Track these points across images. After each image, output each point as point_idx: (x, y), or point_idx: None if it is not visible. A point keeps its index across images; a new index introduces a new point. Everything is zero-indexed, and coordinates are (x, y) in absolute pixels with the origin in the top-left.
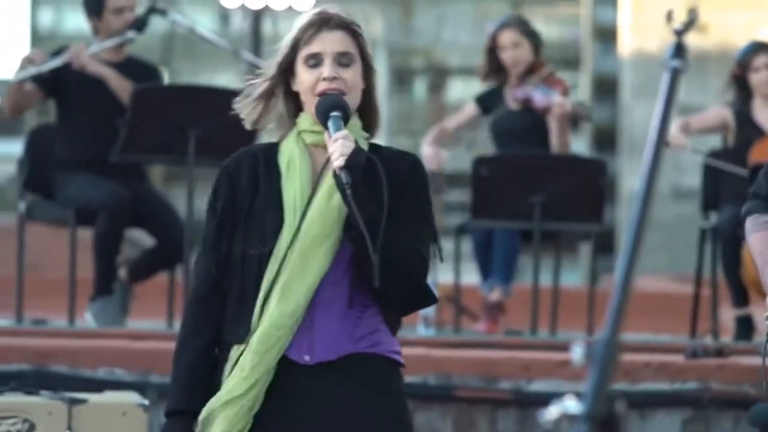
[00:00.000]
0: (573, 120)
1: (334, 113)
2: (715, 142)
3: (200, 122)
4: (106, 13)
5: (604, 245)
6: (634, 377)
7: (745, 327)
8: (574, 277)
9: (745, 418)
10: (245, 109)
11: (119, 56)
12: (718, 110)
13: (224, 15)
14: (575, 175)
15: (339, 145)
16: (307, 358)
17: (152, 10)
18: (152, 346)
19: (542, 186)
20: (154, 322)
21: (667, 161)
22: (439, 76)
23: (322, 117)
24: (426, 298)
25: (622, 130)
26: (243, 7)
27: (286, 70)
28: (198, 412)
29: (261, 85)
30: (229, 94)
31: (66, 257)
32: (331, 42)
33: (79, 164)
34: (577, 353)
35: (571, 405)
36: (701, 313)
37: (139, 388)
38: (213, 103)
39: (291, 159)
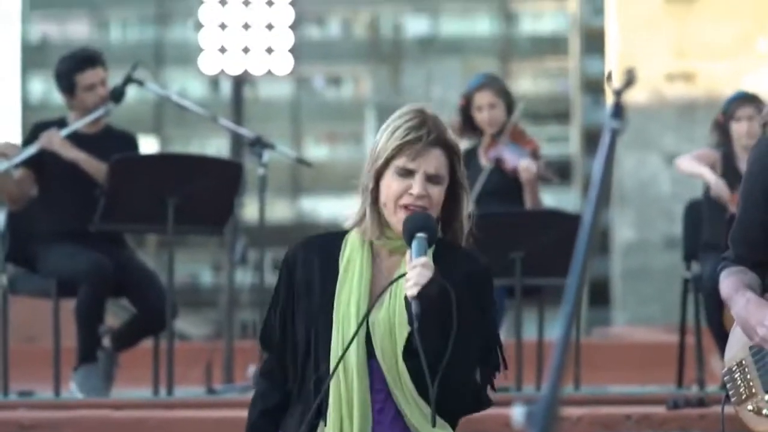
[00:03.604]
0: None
1: (420, 234)
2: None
3: (178, 190)
4: (78, 90)
5: (599, 297)
6: (616, 430)
7: None
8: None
9: None
10: (357, 223)
11: (97, 127)
12: (709, 151)
13: (214, 81)
14: (552, 230)
15: (416, 273)
16: None
17: (129, 80)
18: (136, 415)
19: (521, 242)
20: (139, 390)
21: (659, 211)
22: None
23: (408, 235)
24: (478, 407)
25: (612, 181)
26: (222, 73)
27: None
28: None
29: (364, 199)
30: (205, 162)
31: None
32: (426, 161)
33: (60, 235)
34: (517, 413)
35: None
36: (691, 363)
37: None
38: (190, 171)
39: (350, 260)
